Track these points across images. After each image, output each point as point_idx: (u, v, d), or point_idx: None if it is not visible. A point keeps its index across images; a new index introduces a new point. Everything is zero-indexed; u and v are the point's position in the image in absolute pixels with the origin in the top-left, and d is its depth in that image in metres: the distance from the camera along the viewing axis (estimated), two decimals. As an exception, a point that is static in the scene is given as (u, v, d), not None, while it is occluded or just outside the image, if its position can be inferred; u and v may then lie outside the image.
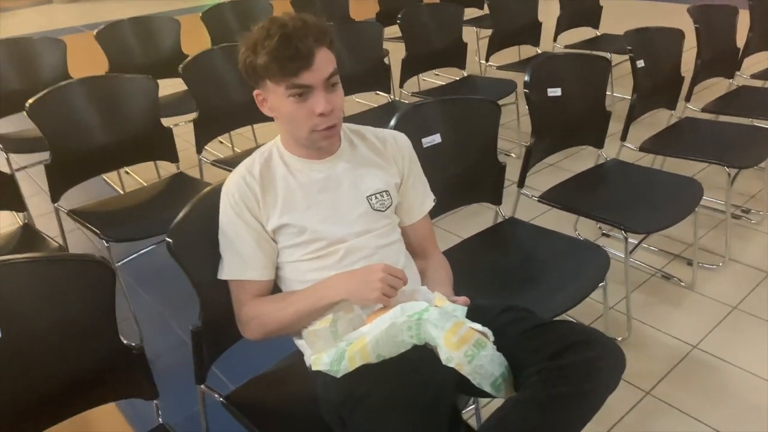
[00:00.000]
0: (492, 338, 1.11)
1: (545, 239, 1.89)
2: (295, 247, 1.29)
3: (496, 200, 1.99)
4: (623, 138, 2.47)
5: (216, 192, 1.31)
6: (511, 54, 4.02)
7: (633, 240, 2.46)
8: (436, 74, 4.32)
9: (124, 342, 1.23)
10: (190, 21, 3.65)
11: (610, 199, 2.10)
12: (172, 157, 2.43)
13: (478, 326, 1.11)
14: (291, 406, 1.34)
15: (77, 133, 2.17)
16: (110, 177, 3.29)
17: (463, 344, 1.06)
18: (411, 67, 3.26)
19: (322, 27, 1.20)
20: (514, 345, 1.12)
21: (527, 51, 4.03)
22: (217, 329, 1.34)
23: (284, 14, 1.21)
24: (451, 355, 1.05)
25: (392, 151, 1.39)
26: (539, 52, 3.81)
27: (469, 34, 3.66)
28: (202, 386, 1.36)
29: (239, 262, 1.27)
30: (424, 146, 1.76)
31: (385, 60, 3.26)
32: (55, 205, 2.17)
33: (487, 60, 3.61)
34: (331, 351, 1.14)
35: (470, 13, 4.09)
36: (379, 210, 1.33)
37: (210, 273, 1.30)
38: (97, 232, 2.03)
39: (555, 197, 2.11)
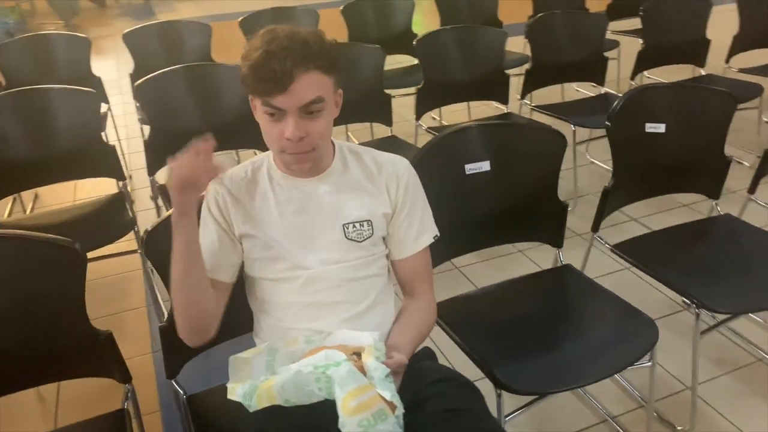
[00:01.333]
0: (400, 411, 0.98)
1: (592, 297, 1.63)
2: (260, 261, 1.25)
3: (557, 242, 1.77)
4: (751, 191, 2.05)
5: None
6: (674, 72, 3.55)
7: (713, 316, 2.02)
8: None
9: (94, 327, 1.30)
10: (329, 14, 3.76)
11: (698, 263, 1.75)
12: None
13: (388, 394, 0.98)
14: (239, 422, 1.32)
15: (176, 115, 2.34)
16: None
17: (361, 411, 0.96)
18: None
19: (312, 50, 1.11)
20: (427, 424, 0.98)
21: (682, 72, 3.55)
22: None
23: (283, 28, 1.13)
24: (345, 420, 0.96)
25: (387, 178, 1.29)
26: (703, 73, 3.31)
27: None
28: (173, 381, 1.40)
29: None
30: (467, 172, 1.62)
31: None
32: (151, 177, 2.38)
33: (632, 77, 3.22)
34: (246, 383, 1.09)
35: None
36: (355, 240, 1.24)
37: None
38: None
39: (631, 250, 1.81)
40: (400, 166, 1.31)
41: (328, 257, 1.23)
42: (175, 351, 1.36)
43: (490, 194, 1.68)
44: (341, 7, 3.56)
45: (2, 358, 1.25)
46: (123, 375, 1.37)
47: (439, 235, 1.35)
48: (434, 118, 3.94)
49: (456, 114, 3.87)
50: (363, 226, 1.25)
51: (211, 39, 3.28)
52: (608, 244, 1.85)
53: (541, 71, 2.97)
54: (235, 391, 1.09)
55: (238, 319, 1.33)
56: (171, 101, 2.33)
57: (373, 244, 1.26)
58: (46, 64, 3.08)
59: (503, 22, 3.83)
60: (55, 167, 2.22)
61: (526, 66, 3.02)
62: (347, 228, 1.24)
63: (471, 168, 1.65)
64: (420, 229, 1.31)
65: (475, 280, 2.42)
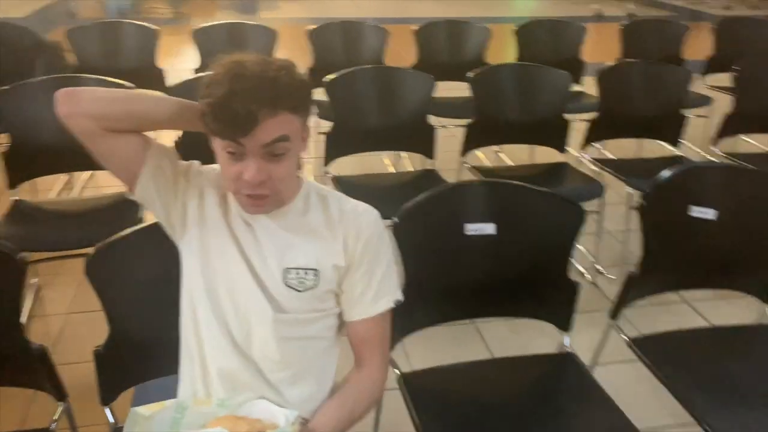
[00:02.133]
0: None
1: (587, 399, 1.41)
2: (190, 269, 1.14)
3: (563, 325, 1.56)
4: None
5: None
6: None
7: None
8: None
9: (27, 339, 1.25)
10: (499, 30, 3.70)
11: (728, 382, 1.48)
12: (429, 152, 2.56)
13: None
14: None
15: (357, 112, 2.47)
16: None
17: None
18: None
19: (281, 91, 1.00)
20: None
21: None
22: (127, 356, 1.28)
23: (253, 61, 1.02)
24: None
25: (346, 227, 1.14)
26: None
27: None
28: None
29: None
30: (467, 232, 1.46)
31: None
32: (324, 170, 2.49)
33: (713, 141, 2.88)
34: None
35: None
36: (294, 288, 1.11)
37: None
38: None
39: (652, 348, 1.56)
40: (365, 217, 1.17)
41: (259, 302, 1.10)
42: (111, 377, 1.29)
43: (491, 261, 1.50)
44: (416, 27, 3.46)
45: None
46: (57, 391, 1.31)
47: (401, 300, 1.20)
48: (498, 153, 3.74)
49: (511, 154, 3.65)
50: (307, 274, 1.11)
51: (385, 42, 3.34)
52: (626, 336, 1.61)
53: (608, 122, 2.72)
54: None
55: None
56: (356, 99, 2.49)
57: (316, 298, 1.12)
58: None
59: (586, 61, 3.58)
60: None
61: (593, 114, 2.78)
62: (288, 273, 1.11)
63: (472, 229, 1.48)
64: (379, 290, 1.16)
65: (464, 345, 2.21)
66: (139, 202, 1.16)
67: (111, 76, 2.25)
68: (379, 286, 1.16)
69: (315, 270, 1.12)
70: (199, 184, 1.15)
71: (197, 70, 3.12)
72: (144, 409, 1.04)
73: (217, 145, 1.05)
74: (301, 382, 1.12)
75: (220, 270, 1.12)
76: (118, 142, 1.08)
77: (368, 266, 1.15)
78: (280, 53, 3.37)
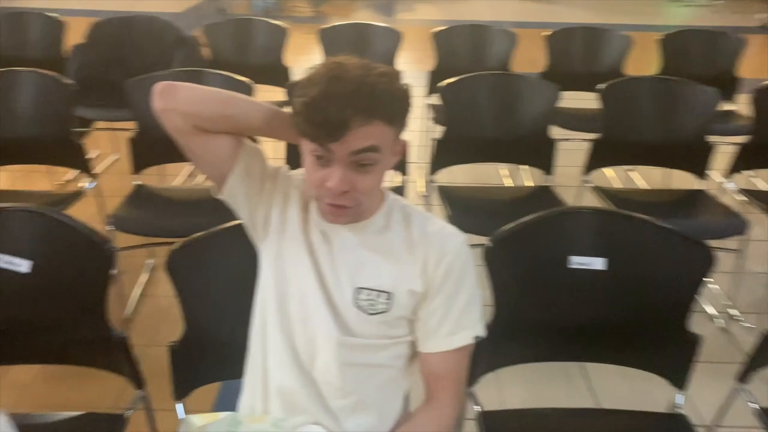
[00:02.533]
0: None
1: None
2: (265, 273, 1.10)
3: (677, 381, 1.35)
4: None
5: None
6: None
7: None
8: None
9: (109, 326, 1.27)
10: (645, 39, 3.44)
11: None
12: (547, 167, 2.38)
13: None
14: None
15: (471, 119, 2.37)
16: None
17: None
18: None
19: (379, 100, 0.93)
20: None
21: None
22: (200, 355, 1.27)
23: (355, 64, 0.96)
24: None
25: (428, 251, 1.05)
26: None
27: None
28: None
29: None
30: (571, 266, 1.30)
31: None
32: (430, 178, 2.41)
33: None
34: None
35: None
36: (363, 310, 1.03)
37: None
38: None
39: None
40: (449, 241, 1.06)
41: (326, 324, 1.03)
42: (184, 373, 1.29)
43: (597, 300, 1.33)
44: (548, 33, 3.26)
45: (15, 326, 1.28)
46: (135, 379, 1.34)
47: (483, 336, 1.08)
48: (629, 174, 3.43)
49: (646, 175, 3.33)
50: (379, 297, 1.03)
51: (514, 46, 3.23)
52: (756, 405, 1.36)
53: (763, 148, 2.37)
54: None
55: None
56: (471, 105, 2.37)
57: (386, 323, 1.04)
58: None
59: (744, 77, 3.18)
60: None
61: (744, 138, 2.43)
62: (359, 294, 1.03)
63: (577, 262, 1.31)
64: (457, 323, 1.05)
65: (566, 385, 2.00)
66: (226, 203, 1.13)
67: (240, 72, 2.31)
68: (458, 318, 1.05)
69: (388, 293, 1.03)
70: (284, 189, 1.11)
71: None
72: (198, 419, 1.01)
73: (305, 147, 0.99)
74: (362, 412, 1.04)
75: (292, 281, 1.07)
76: (210, 143, 1.06)
77: (448, 295, 1.05)
78: (404, 55, 3.33)
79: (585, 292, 1.33)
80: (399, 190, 2.23)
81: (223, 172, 1.07)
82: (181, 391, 1.30)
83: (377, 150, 0.96)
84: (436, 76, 3.04)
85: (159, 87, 1.03)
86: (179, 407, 1.30)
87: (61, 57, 3.14)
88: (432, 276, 1.05)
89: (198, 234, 1.24)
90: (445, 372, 1.07)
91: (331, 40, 3.24)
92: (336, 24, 3.32)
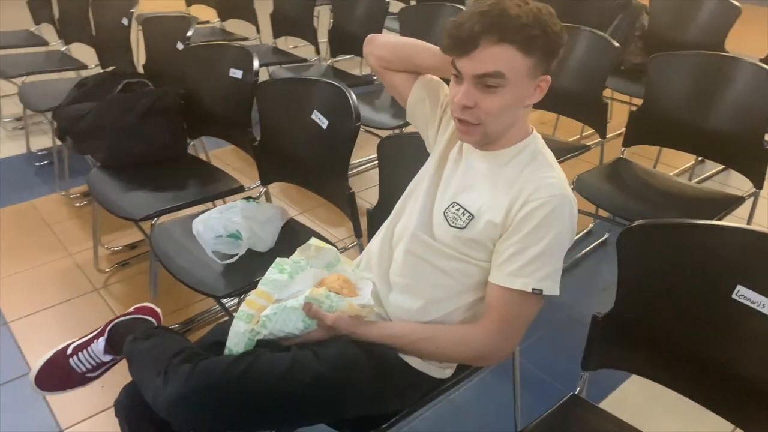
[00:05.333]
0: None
1: None
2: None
3: None
4: None
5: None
6: None
7: None
8: None
9: (349, 186, 1.70)
10: None
11: None
12: (757, 177, 1.98)
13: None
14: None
15: (672, 100, 2.14)
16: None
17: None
18: None
19: (510, 22, 1.02)
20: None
21: None
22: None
23: None
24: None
25: (520, 192, 1.09)
26: None
27: None
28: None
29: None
30: None
31: None
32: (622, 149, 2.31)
33: None
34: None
35: None
36: (447, 220, 1.16)
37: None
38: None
39: None
40: (543, 191, 1.08)
41: (420, 223, 1.20)
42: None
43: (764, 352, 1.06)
44: None
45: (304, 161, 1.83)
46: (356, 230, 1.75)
47: (546, 293, 1.08)
48: None
49: None
50: (463, 215, 1.15)
51: None
52: None
53: None
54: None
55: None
56: (675, 86, 2.13)
57: (459, 239, 1.14)
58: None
59: None
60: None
61: None
62: (452, 206, 1.17)
63: (747, 297, 1.06)
64: (524, 267, 1.08)
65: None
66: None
67: (674, 47, 2.36)
68: (525, 264, 1.08)
69: (471, 215, 1.14)
70: (448, 114, 1.28)
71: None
72: (316, 242, 1.32)
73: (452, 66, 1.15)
74: (409, 295, 1.19)
75: (419, 181, 1.27)
76: (394, 78, 1.36)
77: (525, 238, 1.08)
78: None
79: (749, 338, 1.07)
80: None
81: (403, 100, 1.35)
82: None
83: (501, 76, 1.04)
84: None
85: (367, 39, 1.38)
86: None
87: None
88: (513, 215, 1.09)
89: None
90: (497, 305, 1.11)
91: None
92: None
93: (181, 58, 2.36)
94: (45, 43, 3.68)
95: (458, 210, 1.15)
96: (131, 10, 2.82)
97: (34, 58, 3.42)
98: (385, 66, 1.35)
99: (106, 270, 2.34)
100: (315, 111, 1.77)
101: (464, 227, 1.13)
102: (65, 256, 2.42)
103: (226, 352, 1.09)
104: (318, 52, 3.45)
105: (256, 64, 2.01)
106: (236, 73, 2.07)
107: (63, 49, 3.60)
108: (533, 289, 1.07)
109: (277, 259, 1.20)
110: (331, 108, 1.74)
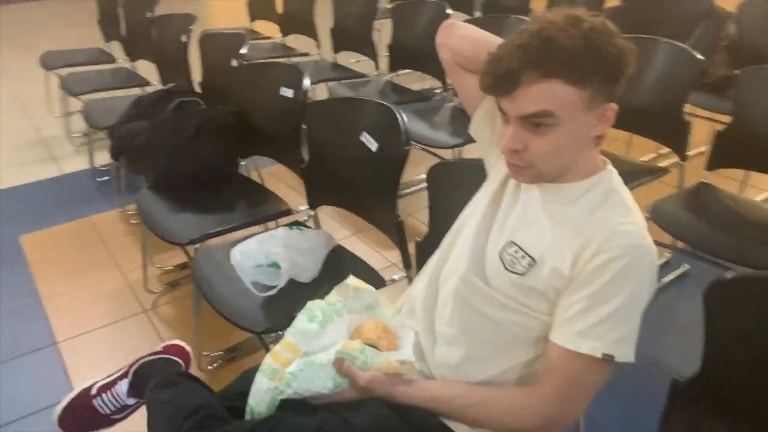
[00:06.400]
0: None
1: None
2: None
3: None
4: None
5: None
6: None
7: None
8: None
9: (398, 215, 1.58)
10: None
11: None
12: None
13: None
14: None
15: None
16: None
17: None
18: None
19: (557, 53, 0.87)
20: None
21: None
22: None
23: (555, 17, 0.91)
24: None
25: (590, 240, 0.93)
26: None
27: None
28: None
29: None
30: None
31: None
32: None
33: None
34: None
35: None
36: (503, 263, 1.01)
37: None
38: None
39: None
40: (619, 240, 0.92)
41: (463, 256, 1.06)
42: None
43: None
44: None
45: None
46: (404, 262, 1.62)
47: (616, 358, 0.92)
48: None
49: None
50: (523, 259, 0.99)
51: None
52: None
53: None
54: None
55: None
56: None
57: (517, 287, 0.99)
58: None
59: None
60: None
61: None
62: (509, 247, 1.01)
63: None
64: (593, 329, 0.92)
65: None
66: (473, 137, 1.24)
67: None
68: (596, 324, 0.92)
69: (532, 259, 0.99)
70: None
71: None
72: (354, 281, 1.19)
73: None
74: (455, 347, 1.05)
75: (474, 209, 1.13)
76: (466, 81, 1.19)
77: (596, 293, 0.92)
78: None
79: None
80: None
81: (473, 108, 1.19)
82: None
83: (551, 116, 0.90)
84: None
85: (444, 24, 1.20)
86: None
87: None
88: (582, 265, 0.93)
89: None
90: (559, 370, 0.96)
91: None
92: None
93: (235, 75, 2.32)
94: (113, 60, 3.77)
95: (517, 252, 1.00)
96: (190, 27, 2.81)
97: (100, 75, 3.49)
98: (459, 63, 1.17)
99: (155, 291, 2.30)
100: (364, 132, 1.66)
101: (524, 274, 0.98)
102: (117, 275, 2.40)
103: (248, 410, 0.99)
104: (377, 67, 3.37)
105: (306, 83, 1.93)
106: (287, 92, 2.00)
107: (129, 66, 3.67)
108: (603, 355, 0.91)
109: (309, 304, 1.09)
110: (380, 130, 1.63)
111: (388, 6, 3.49)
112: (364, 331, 1.07)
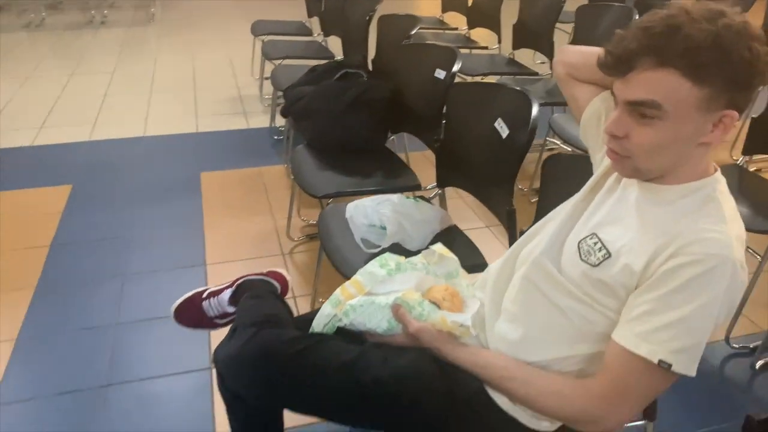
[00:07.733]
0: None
1: None
2: None
3: None
4: None
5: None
6: None
7: None
8: None
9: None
10: None
11: None
12: None
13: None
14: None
15: None
16: None
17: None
18: None
19: (674, 43, 0.84)
20: None
21: None
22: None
23: (693, 6, 0.87)
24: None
25: (669, 243, 0.90)
26: None
27: None
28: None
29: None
30: None
31: None
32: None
33: None
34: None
35: None
36: (579, 252, 1.00)
37: None
38: None
39: None
40: (697, 246, 0.88)
41: (541, 242, 1.08)
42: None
43: None
44: None
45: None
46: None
47: (673, 367, 0.88)
48: None
49: None
50: (599, 251, 0.98)
51: None
52: None
53: None
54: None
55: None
56: None
57: (587, 278, 0.98)
58: None
59: None
60: None
61: None
62: (589, 238, 1.01)
63: None
64: (654, 333, 0.89)
65: None
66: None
67: None
68: (659, 329, 0.89)
69: (608, 252, 0.97)
70: None
71: None
72: (442, 249, 1.25)
73: None
74: (515, 325, 1.07)
75: (565, 204, 1.14)
76: (575, 88, 1.22)
77: (665, 297, 0.89)
78: None
79: None
80: None
81: (580, 112, 1.20)
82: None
83: (657, 107, 0.87)
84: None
85: (562, 47, 1.27)
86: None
87: None
88: (656, 267, 0.90)
89: None
90: (613, 367, 0.94)
91: None
92: None
93: (399, 55, 2.45)
94: (310, 34, 4.13)
95: (595, 244, 0.99)
96: (375, 8, 3.01)
97: (295, 44, 3.87)
98: (571, 73, 1.22)
99: (295, 239, 2.54)
100: (499, 119, 1.69)
101: (596, 265, 0.97)
102: (269, 219, 2.69)
103: (310, 330, 1.10)
104: (551, 68, 3.31)
105: (456, 66, 1.99)
106: (440, 74, 2.08)
107: (321, 40, 4.00)
108: (660, 361, 0.88)
109: (385, 254, 1.17)
110: (512, 117, 1.65)
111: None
112: (434, 291, 1.13)
